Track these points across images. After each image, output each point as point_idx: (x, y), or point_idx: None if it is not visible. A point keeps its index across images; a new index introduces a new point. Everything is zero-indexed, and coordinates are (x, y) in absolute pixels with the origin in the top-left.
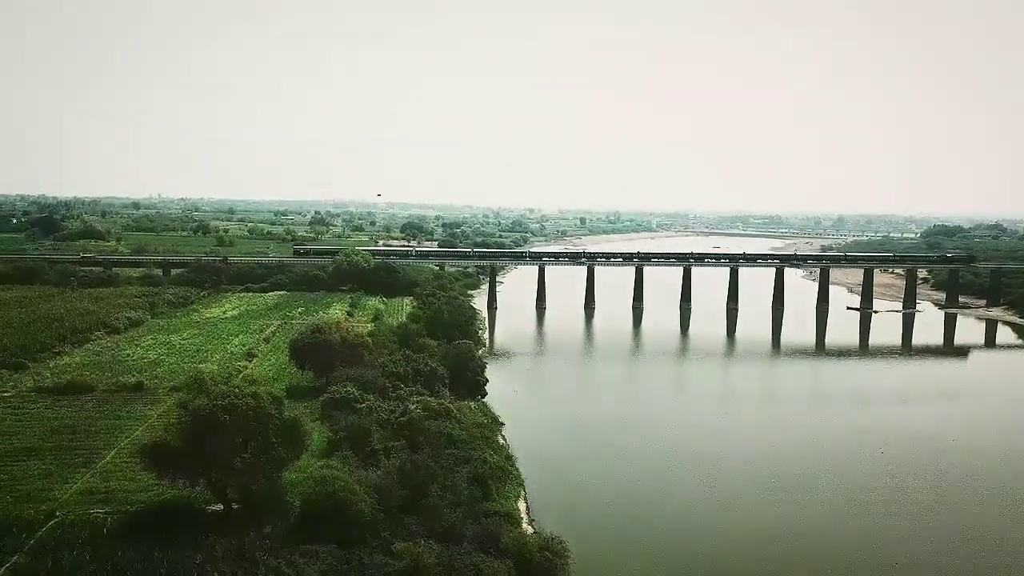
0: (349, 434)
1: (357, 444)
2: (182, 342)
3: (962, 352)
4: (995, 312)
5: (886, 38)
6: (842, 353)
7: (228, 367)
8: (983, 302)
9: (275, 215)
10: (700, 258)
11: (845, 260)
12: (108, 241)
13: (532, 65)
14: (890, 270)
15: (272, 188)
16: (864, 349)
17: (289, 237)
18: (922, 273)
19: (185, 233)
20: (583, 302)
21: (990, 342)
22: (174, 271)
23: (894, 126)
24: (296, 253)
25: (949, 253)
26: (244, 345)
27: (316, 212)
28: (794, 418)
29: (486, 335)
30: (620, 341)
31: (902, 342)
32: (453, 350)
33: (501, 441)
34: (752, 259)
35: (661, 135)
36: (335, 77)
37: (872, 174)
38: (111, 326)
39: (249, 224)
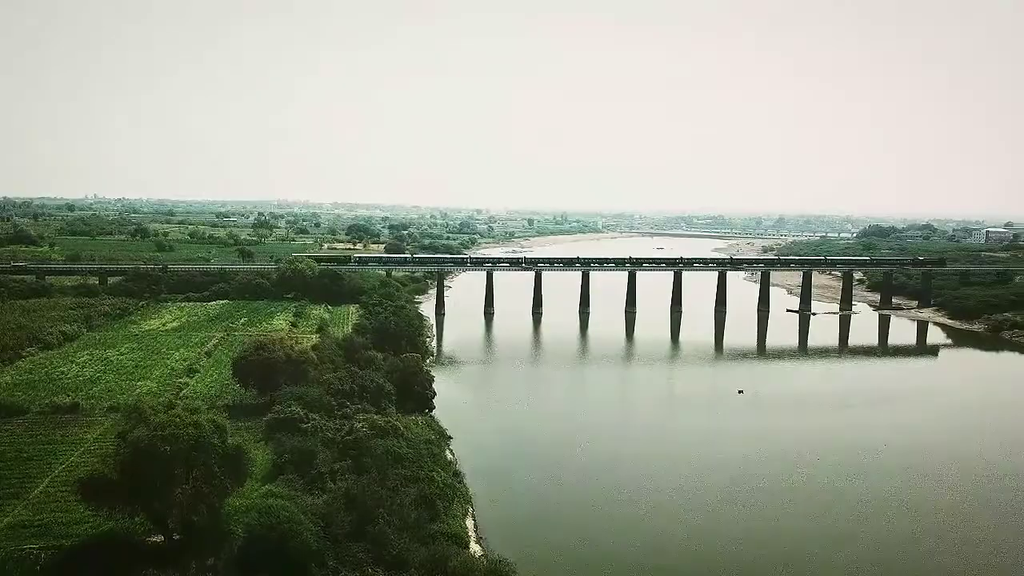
0: (294, 457)
1: (302, 467)
2: (119, 358)
3: (895, 353)
4: (926, 313)
5: (876, 39)
6: (782, 355)
7: (168, 384)
8: (915, 303)
9: (217, 216)
10: (645, 263)
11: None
12: (41, 246)
13: (487, 67)
14: (828, 272)
15: (211, 188)
16: (803, 351)
17: (232, 241)
18: (857, 275)
19: (123, 237)
20: (531, 307)
21: (921, 343)
22: (111, 280)
23: (854, 126)
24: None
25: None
26: (185, 360)
27: (260, 213)
28: (739, 423)
29: (434, 343)
30: (567, 346)
31: (839, 343)
32: (400, 364)
33: (449, 456)
34: (694, 263)
35: (611, 137)
36: (279, 76)
37: (815, 175)
38: (44, 341)
39: (190, 227)
